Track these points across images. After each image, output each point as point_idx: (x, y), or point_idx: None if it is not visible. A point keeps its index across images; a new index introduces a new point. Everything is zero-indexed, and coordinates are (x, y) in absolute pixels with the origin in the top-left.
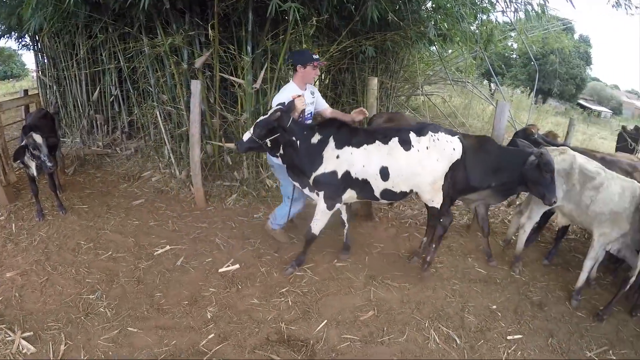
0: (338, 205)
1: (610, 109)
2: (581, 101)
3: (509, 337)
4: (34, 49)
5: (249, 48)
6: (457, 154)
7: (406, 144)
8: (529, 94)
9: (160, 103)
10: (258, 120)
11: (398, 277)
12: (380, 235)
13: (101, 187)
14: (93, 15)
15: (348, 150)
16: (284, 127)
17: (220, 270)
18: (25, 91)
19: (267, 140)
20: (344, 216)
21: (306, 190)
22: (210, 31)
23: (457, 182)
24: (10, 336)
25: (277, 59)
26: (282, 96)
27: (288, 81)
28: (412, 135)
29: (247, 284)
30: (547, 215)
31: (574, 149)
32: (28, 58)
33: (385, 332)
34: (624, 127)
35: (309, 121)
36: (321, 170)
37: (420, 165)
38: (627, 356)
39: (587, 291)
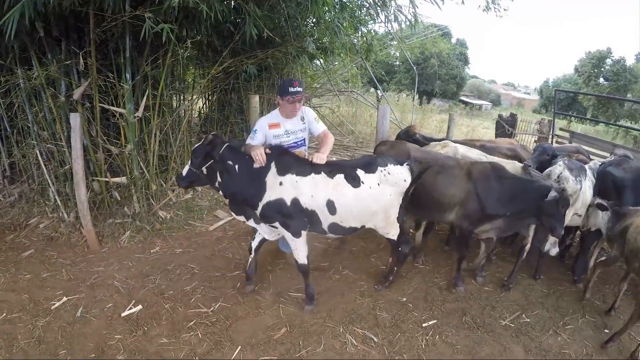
0: (305, 232)
1: (490, 101)
2: (463, 98)
3: (424, 325)
4: None
5: (128, 75)
6: (408, 182)
7: (354, 181)
8: (414, 97)
9: (40, 141)
10: (193, 148)
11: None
12: (280, 251)
13: None
14: None
15: (292, 177)
16: (216, 152)
17: (123, 314)
18: None
19: (204, 169)
20: (254, 243)
21: (251, 222)
22: (87, 59)
23: (471, 213)
24: None
25: (158, 84)
26: (259, 124)
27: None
28: (360, 172)
29: (153, 324)
30: None
31: (455, 141)
32: None
33: (302, 346)
34: (500, 116)
35: (302, 148)
36: (266, 198)
37: (374, 202)
38: (540, 316)
39: (490, 266)
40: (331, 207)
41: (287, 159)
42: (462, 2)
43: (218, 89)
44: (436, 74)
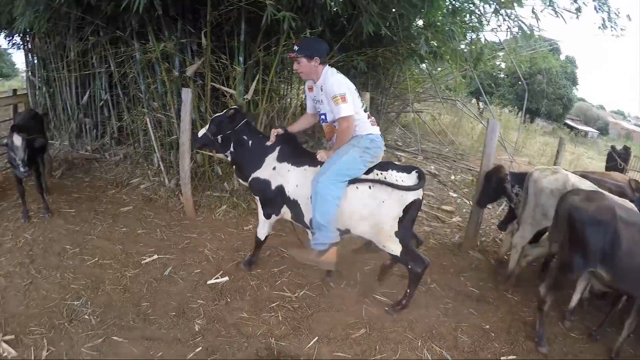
0: (275, 217)
1: (597, 129)
2: (568, 121)
3: (502, 358)
4: (24, 49)
5: (241, 59)
6: (412, 194)
7: None
8: (517, 113)
9: (150, 110)
10: (213, 117)
11: (391, 295)
12: (372, 253)
13: (89, 192)
14: (85, 17)
15: (286, 166)
16: (235, 125)
17: (209, 282)
18: (14, 91)
19: (219, 137)
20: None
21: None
22: (203, 39)
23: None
24: None
25: (269, 70)
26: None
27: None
28: None
29: (237, 297)
30: (539, 235)
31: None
32: (18, 58)
33: (378, 350)
34: (613, 147)
35: (325, 124)
36: (257, 174)
37: (361, 206)
38: None
39: (580, 311)
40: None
41: (290, 147)
42: (577, 17)
43: None
44: (543, 92)
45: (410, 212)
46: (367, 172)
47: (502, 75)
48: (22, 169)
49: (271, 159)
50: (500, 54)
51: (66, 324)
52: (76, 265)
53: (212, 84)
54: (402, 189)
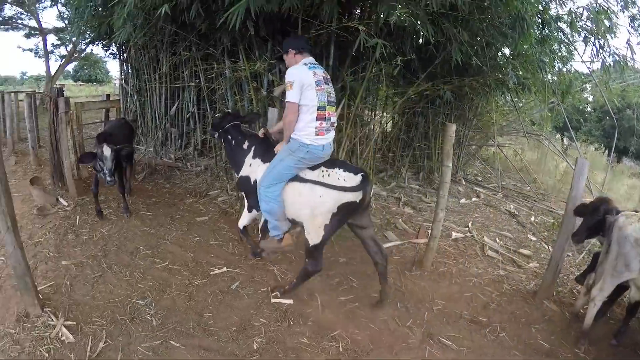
0: (255, 212)
1: None
2: None
3: None
4: (119, 58)
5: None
6: (350, 195)
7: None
8: (604, 152)
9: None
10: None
11: (456, 339)
12: (442, 292)
13: (168, 198)
14: (179, 32)
15: (257, 162)
16: (221, 127)
17: (273, 300)
18: (108, 96)
19: (216, 134)
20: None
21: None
22: None
23: None
24: (52, 321)
25: (355, 95)
26: None
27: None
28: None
29: (299, 321)
30: (620, 289)
31: None
32: (112, 66)
33: None
34: None
35: None
36: (241, 172)
37: (300, 197)
38: None
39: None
40: None
41: (262, 146)
42: None
43: (409, 111)
44: (633, 129)
45: (345, 210)
46: (314, 167)
47: (588, 109)
48: (108, 178)
49: (249, 158)
50: (588, 86)
51: (127, 321)
52: (146, 266)
53: None
54: (337, 189)
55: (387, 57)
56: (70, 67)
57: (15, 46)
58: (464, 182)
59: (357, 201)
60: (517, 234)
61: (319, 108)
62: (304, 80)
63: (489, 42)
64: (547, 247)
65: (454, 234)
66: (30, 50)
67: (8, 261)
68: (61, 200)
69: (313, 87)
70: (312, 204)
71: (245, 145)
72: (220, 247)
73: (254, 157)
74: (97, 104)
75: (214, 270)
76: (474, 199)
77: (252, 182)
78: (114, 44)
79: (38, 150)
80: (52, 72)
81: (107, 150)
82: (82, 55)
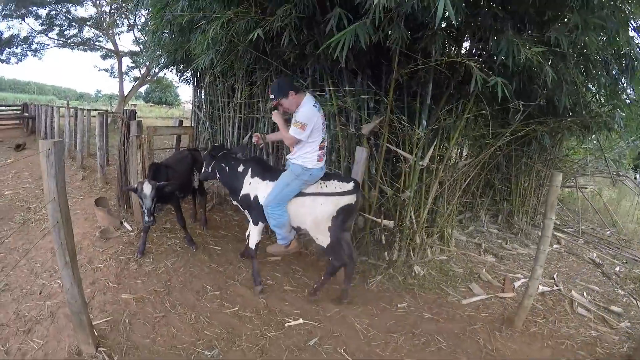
0: (262, 223)
1: None
2: None
3: None
4: (193, 84)
5: (425, 122)
6: (346, 199)
7: None
8: None
9: None
10: (203, 155)
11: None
12: (534, 356)
13: (237, 232)
14: (261, 58)
15: (256, 180)
16: (214, 158)
17: None
18: (180, 122)
19: (209, 168)
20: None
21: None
22: (385, 98)
23: None
24: None
25: (449, 137)
26: None
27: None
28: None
29: None
30: None
31: None
32: (182, 90)
33: None
34: None
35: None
36: (242, 192)
37: (304, 207)
38: None
39: None
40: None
41: (259, 165)
42: None
43: (500, 153)
44: None
45: (343, 212)
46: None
47: None
48: (146, 218)
49: (247, 178)
50: None
51: None
52: (213, 310)
53: (388, 145)
54: (335, 195)
55: (510, 97)
56: (142, 89)
57: (92, 65)
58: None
59: (352, 203)
60: (604, 287)
61: (320, 142)
62: (316, 124)
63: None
64: (636, 303)
65: (541, 287)
66: (106, 70)
67: (65, 295)
68: (125, 224)
69: (320, 129)
70: (315, 212)
71: (240, 169)
72: (294, 293)
73: (252, 176)
74: (169, 129)
75: (289, 322)
76: (555, 246)
77: (253, 198)
78: (188, 71)
79: (106, 169)
80: (125, 93)
81: (147, 188)
82: (155, 78)
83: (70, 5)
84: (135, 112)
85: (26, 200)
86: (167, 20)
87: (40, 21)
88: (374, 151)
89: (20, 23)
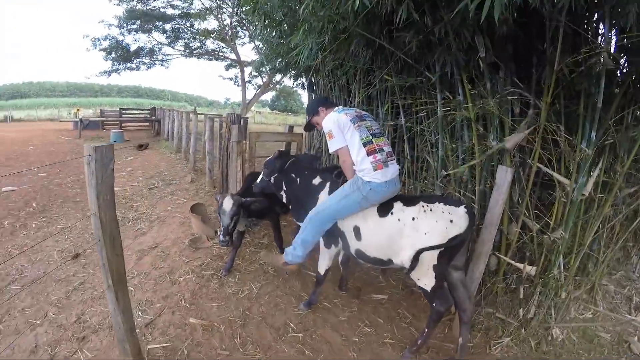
0: (335, 248)
1: None
2: None
3: None
4: (308, 89)
5: (593, 134)
6: (457, 228)
7: (383, 211)
8: None
9: (443, 183)
10: (265, 161)
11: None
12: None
13: None
14: (380, 51)
15: None
16: (282, 165)
17: None
18: (290, 128)
19: (272, 178)
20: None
21: None
22: (537, 101)
23: None
24: None
25: (624, 155)
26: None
27: None
28: (397, 203)
29: None
30: None
31: None
32: (306, 98)
33: None
34: None
35: None
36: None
37: (399, 236)
38: None
39: None
40: (357, 232)
41: (339, 183)
42: None
43: None
44: None
45: (452, 245)
46: (414, 203)
47: None
48: (221, 237)
49: (323, 195)
50: None
51: None
52: (290, 357)
53: (539, 165)
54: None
55: None
56: (268, 97)
57: (217, 75)
58: None
59: (462, 233)
60: None
61: (364, 144)
62: (339, 123)
63: None
64: None
65: None
66: (230, 79)
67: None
68: (220, 234)
69: (350, 126)
70: (416, 243)
71: (316, 181)
72: (396, 348)
73: (330, 192)
74: (274, 135)
75: None
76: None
77: None
78: (303, 74)
79: (214, 173)
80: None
81: (227, 203)
82: (277, 86)
83: (194, 20)
84: (241, 117)
85: (131, 198)
86: (261, 12)
87: (166, 35)
88: (519, 172)
89: (148, 36)
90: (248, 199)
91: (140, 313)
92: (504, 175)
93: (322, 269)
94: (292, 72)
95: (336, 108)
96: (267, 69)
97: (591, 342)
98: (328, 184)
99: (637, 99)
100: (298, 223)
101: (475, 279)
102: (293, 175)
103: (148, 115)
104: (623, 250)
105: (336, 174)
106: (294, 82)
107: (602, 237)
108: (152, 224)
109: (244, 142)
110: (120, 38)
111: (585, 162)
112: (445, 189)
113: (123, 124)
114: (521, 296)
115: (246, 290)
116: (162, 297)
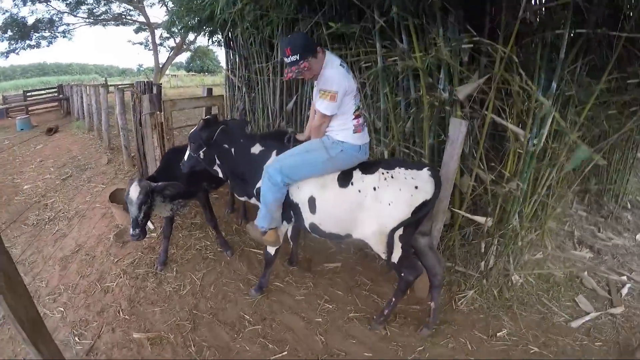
0: (287, 224)
1: None
2: None
3: None
4: (225, 45)
5: (554, 83)
6: (423, 194)
7: (343, 180)
8: None
9: (391, 141)
10: (189, 133)
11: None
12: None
13: None
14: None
15: None
16: (208, 137)
17: None
18: (209, 90)
19: (201, 153)
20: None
21: (254, 200)
22: (489, 48)
23: None
24: None
25: (574, 105)
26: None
27: None
28: (356, 171)
29: None
30: None
31: None
32: (222, 56)
33: None
34: None
35: None
36: (260, 184)
37: (360, 209)
38: None
39: None
40: (312, 205)
41: (287, 148)
42: None
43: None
44: None
45: (418, 213)
46: (372, 170)
47: None
48: (131, 232)
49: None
50: None
51: None
52: (255, 355)
53: (493, 116)
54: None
55: None
56: (183, 59)
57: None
58: (629, 207)
59: (429, 199)
60: None
61: (355, 110)
62: (347, 88)
63: None
64: None
65: None
66: (140, 43)
67: None
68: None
69: (353, 94)
70: (380, 217)
71: (256, 149)
72: (362, 323)
73: None
74: (192, 102)
75: None
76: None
77: None
78: (219, 30)
79: (132, 150)
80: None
81: (133, 190)
82: (191, 47)
83: None
84: (152, 84)
85: (44, 195)
86: None
87: (68, 3)
88: (472, 124)
89: (46, 6)
90: (159, 183)
91: (77, 339)
92: (458, 128)
93: (272, 250)
94: (207, 29)
95: (332, 57)
96: (179, 29)
97: (547, 282)
98: (274, 152)
99: (589, 51)
100: (239, 199)
101: (434, 237)
102: (226, 145)
103: (55, 95)
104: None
105: (288, 139)
106: (209, 39)
107: (555, 184)
108: (71, 221)
109: (159, 113)
110: (15, 11)
111: (545, 111)
112: (395, 144)
113: (29, 108)
114: (482, 249)
115: (188, 284)
116: (97, 312)
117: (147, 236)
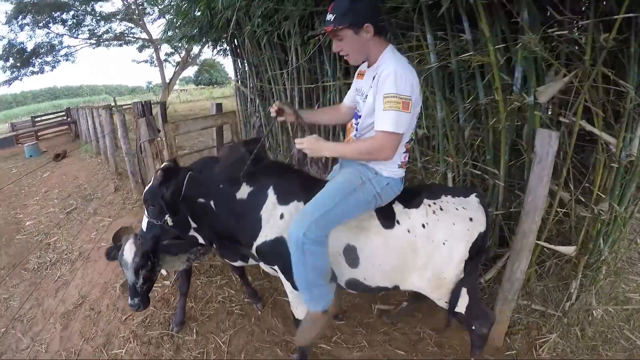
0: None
1: None
2: None
3: None
4: (231, 55)
5: None
6: (478, 225)
7: (386, 219)
8: None
9: (457, 158)
10: (143, 192)
11: None
12: None
13: None
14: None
15: (293, 205)
16: (174, 193)
17: None
18: (219, 106)
19: (166, 219)
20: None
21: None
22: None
23: None
24: None
25: None
26: None
27: None
28: (396, 205)
29: None
30: None
31: None
32: (230, 67)
33: None
34: None
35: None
36: (262, 237)
37: (413, 253)
38: None
39: None
40: (351, 256)
41: (291, 177)
42: None
43: None
44: None
45: (477, 249)
46: (416, 203)
47: None
48: (130, 301)
49: (270, 206)
50: None
51: None
52: None
53: (582, 122)
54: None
55: None
56: (191, 73)
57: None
58: None
59: (484, 230)
60: None
61: (410, 140)
62: (415, 102)
63: None
64: None
65: None
66: (145, 61)
67: None
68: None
69: (417, 113)
70: (434, 260)
71: (244, 193)
72: None
73: (280, 201)
74: (199, 122)
75: None
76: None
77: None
78: (223, 40)
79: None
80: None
81: (128, 251)
82: (197, 60)
83: (95, 2)
84: (151, 104)
85: (47, 233)
86: None
87: (68, 26)
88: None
89: (47, 33)
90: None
91: None
92: (547, 141)
93: (302, 314)
94: (208, 37)
95: (396, 53)
96: (178, 39)
97: (624, 310)
98: (271, 189)
99: None
100: (231, 264)
101: (516, 280)
102: (202, 199)
103: (64, 118)
104: None
105: (277, 171)
106: (213, 49)
107: None
108: (74, 265)
109: (159, 139)
110: (12, 36)
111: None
112: (458, 162)
113: (39, 133)
114: (574, 287)
115: (212, 350)
116: None
117: (159, 284)
